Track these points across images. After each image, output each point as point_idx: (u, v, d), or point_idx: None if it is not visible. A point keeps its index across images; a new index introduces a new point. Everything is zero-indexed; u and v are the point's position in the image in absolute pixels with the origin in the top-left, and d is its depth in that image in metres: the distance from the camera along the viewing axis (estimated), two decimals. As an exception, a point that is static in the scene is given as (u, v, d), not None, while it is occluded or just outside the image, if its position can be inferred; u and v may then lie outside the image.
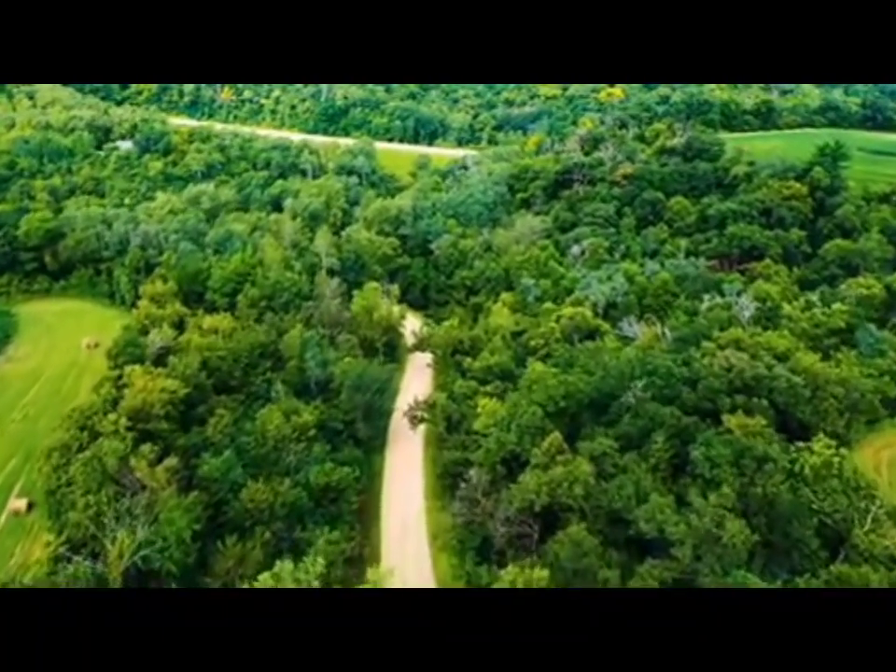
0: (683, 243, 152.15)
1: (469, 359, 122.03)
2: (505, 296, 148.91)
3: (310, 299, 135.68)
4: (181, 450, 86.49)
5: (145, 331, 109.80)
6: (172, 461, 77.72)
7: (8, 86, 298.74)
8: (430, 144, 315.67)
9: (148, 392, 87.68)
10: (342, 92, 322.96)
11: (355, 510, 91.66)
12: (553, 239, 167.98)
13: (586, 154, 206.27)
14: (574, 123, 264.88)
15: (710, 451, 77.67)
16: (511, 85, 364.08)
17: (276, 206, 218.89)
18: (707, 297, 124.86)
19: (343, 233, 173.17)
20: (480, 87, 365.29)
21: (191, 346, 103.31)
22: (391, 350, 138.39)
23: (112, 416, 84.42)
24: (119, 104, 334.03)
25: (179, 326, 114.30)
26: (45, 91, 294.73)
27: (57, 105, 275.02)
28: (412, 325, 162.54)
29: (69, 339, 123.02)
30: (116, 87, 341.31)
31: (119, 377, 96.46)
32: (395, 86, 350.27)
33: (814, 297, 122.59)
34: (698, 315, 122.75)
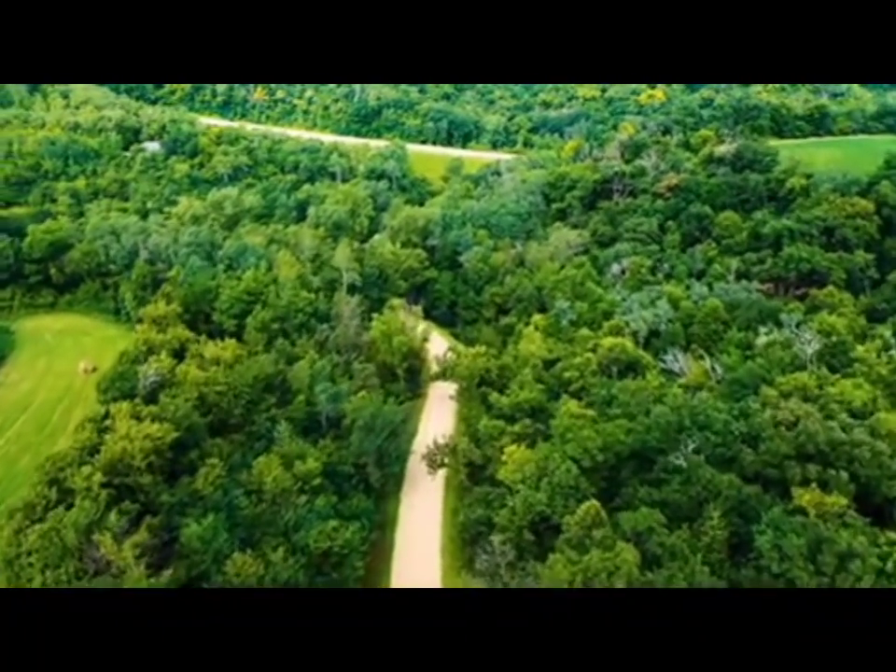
0: (733, 263, 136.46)
1: (496, 393, 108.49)
2: (537, 318, 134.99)
3: (327, 319, 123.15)
4: (164, 507, 74.53)
5: (142, 359, 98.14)
6: (142, 535, 65.42)
7: (43, 86, 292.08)
8: (464, 146, 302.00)
9: (131, 440, 75.78)
10: (374, 93, 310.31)
11: (360, 576, 79.03)
12: (591, 255, 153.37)
13: (627, 162, 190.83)
14: (614, 128, 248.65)
15: (779, 538, 63.28)
16: (549, 86, 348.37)
17: (302, 212, 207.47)
18: (763, 329, 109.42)
19: (367, 245, 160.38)
20: (516, 88, 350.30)
21: (188, 380, 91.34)
22: (413, 376, 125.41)
23: (87, 469, 72.68)
24: (153, 103, 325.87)
25: (180, 353, 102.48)
26: (79, 90, 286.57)
27: (89, 105, 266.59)
28: (437, 343, 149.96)
29: (67, 361, 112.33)
30: (150, 86, 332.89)
31: (106, 415, 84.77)
32: (429, 87, 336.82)
33: (886, 331, 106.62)
34: (753, 350, 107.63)
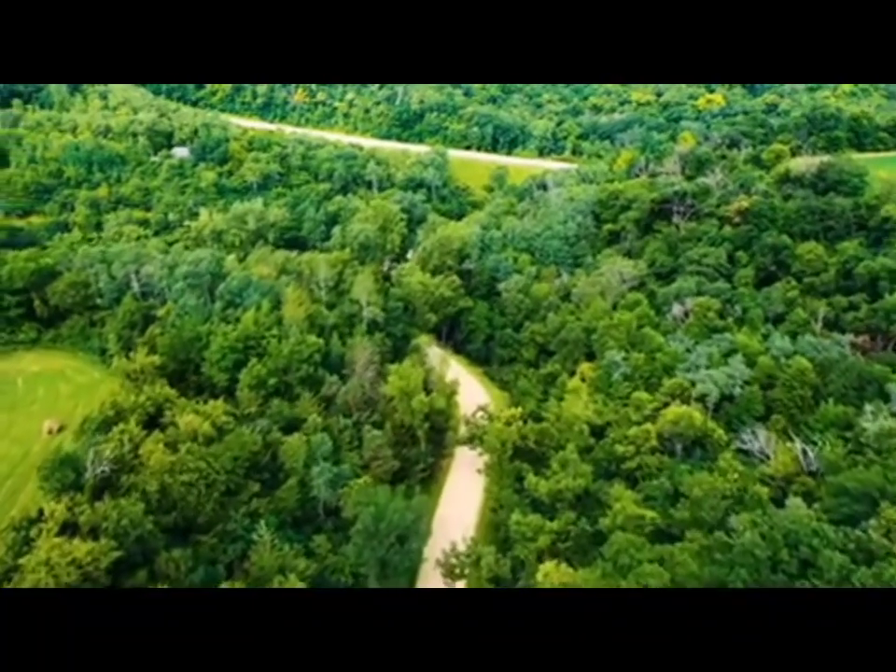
0: (820, 308, 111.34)
1: (532, 475, 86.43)
2: (585, 367, 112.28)
3: (339, 368, 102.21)
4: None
5: (106, 427, 78.61)
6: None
7: (83, 86, 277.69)
8: (509, 152, 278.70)
9: (51, 567, 55.96)
10: (417, 96, 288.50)
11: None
12: (647, 290, 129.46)
13: (688, 179, 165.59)
14: (672, 139, 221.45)
15: None
16: (600, 90, 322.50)
17: (331, 226, 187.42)
18: (868, 408, 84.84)
19: (393, 272, 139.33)
20: (565, 91, 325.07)
21: (150, 465, 71.34)
22: (436, 436, 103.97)
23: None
24: (193, 104, 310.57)
25: (155, 418, 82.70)
26: (118, 91, 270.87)
27: (125, 107, 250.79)
28: (468, 386, 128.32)
29: (34, 417, 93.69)
30: (191, 87, 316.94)
31: (40, 515, 65.19)
32: (474, 89, 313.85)
33: None
34: (856, 432, 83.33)
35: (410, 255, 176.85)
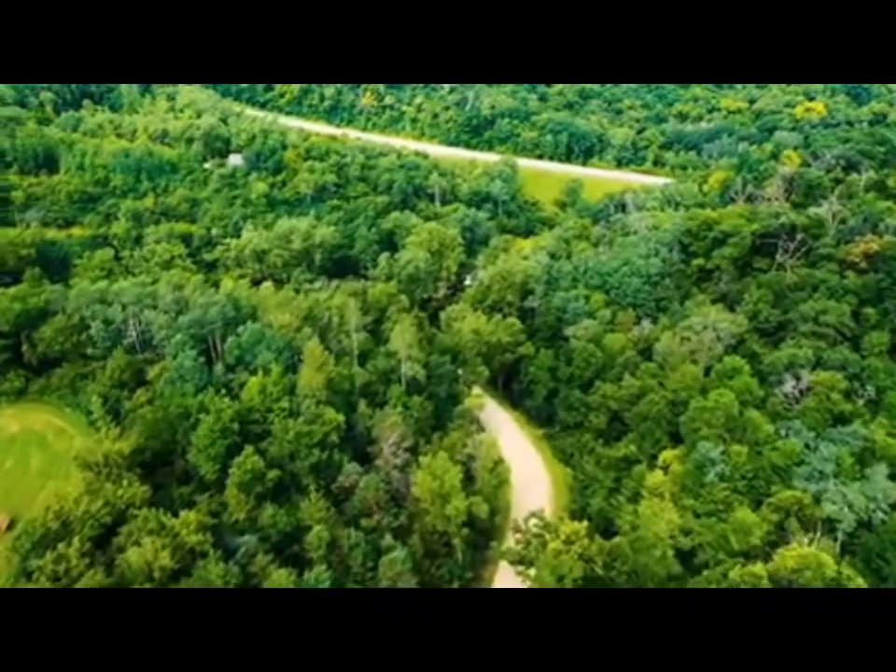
0: None
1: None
2: (669, 456, 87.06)
3: (365, 446, 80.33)
4: None
5: (46, 543, 58.83)
6: None
7: (154, 87, 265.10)
8: (585, 163, 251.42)
9: None
10: (489, 101, 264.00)
11: None
12: (748, 349, 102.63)
13: (795, 207, 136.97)
14: (775, 157, 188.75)
15: None
16: (686, 96, 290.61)
17: (384, 246, 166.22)
18: None
19: (443, 314, 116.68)
20: (648, 96, 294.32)
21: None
22: (479, 536, 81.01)
23: None
24: (262, 106, 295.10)
25: (109, 534, 62.51)
26: (185, 92, 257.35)
27: (190, 109, 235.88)
28: (524, 455, 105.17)
29: (-3, 496, 75.51)
30: (260, 88, 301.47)
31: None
32: (550, 94, 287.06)
33: None
34: None
35: (467, 281, 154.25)
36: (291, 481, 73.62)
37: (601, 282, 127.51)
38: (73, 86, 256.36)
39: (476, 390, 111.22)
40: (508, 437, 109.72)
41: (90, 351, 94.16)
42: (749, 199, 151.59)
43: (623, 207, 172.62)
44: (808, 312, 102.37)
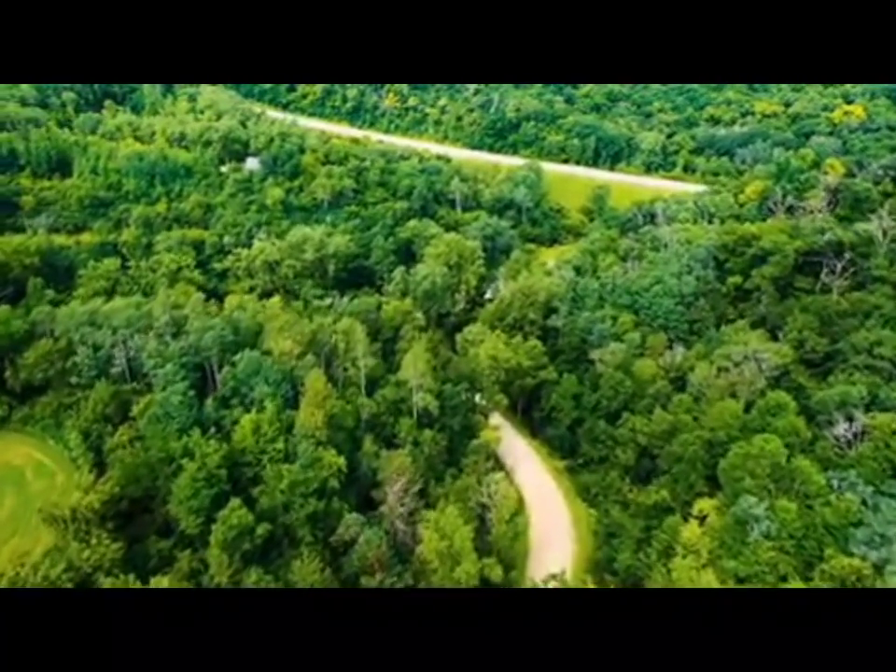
0: None
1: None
2: (706, 506, 77.33)
3: (369, 489, 71.87)
4: None
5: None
6: None
7: (176, 88, 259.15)
8: (612, 167, 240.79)
9: None
10: (514, 103, 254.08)
11: None
12: (793, 382, 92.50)
13: (841, 221, 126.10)
14: (817, 167, 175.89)
15: None
16: (718, 99, 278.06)
17: (402, 256, 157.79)
18: None
19: (459, 336, 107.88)
20: (678, 99, 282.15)
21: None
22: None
23: None
24: (284, 107, 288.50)
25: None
26: (207, 93, 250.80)
27: (211, 110, 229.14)
28: (544, 492, 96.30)
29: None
30: (283, 89, 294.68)
31: None
32: (577, 97, 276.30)
33: None
34: None
35: (488, 294, 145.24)
36: (284, 534, 65.47)
37: (630, 301, 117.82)
38: (96, 86, 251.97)
39: (494, 417, 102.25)
40: (526, 469, 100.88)
41: (74, 379, 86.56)
42: (790, 211, 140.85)
43: (652, 218, 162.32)
44: (861, 342, 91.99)
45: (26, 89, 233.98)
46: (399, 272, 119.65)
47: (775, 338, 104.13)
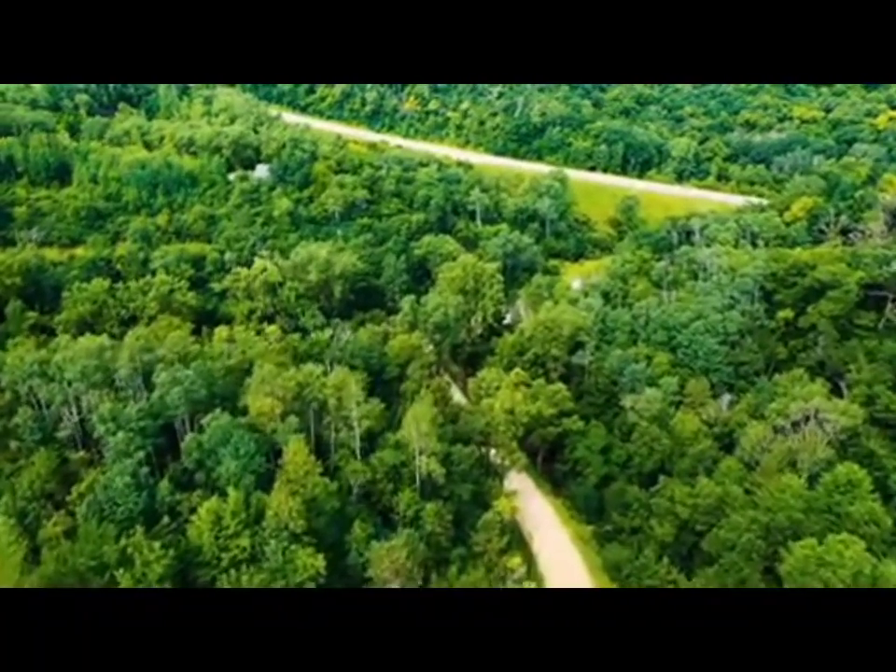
0: None
1: None
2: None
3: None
4: None
5: None
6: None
7: (192, 90, 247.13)
8: (641, 175, 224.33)
9: None
10: (539, 107, 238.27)
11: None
12: (864, 447, 76.83)
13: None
14: (871, 182, 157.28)
15: None
16: (754, 103, 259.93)
17: (415, 276, 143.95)
18: None
19: (471, 382, 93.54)
20: (711, 103, 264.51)
21: None
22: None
23: None
24: (302, 109, 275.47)
25: None
26: (222, 95, 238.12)
27: (225, 113, 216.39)
28: (568, 567, 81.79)
29: None
30: (302, 92, 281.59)
31: None
32: (605, 100, 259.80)
33: None
34: None
35: (507, 318, 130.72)
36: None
37: (666, 338, 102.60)
38: (111, 88, 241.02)
39: (510, 476, 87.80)
40: (546, 534, 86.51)
41: (14, 444, 72.67)
42: (844, 233, 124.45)
43: (688, 235, 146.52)
44: (946, 402, 76.00)
45: (39, 90, 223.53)
46: (407, 301, 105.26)
47: (836, 387, 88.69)
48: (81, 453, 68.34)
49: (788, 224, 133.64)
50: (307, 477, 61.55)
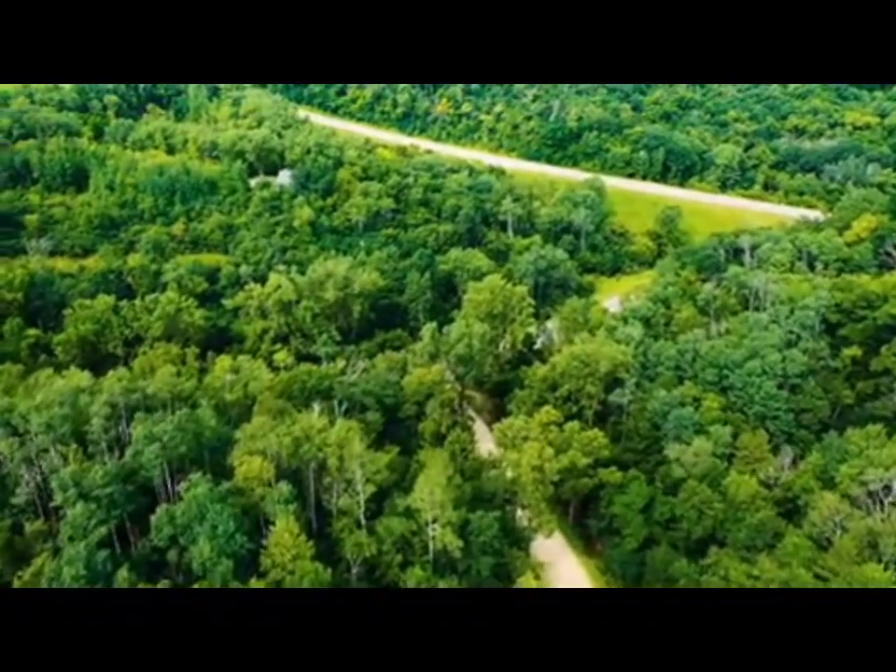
0: None
1: None
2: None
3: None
4: None
5: None
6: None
7: (222, 89, 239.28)
8: (683, 183, 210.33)
9: None
10: (576, 111, 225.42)
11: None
12: (957, 528, 63.79)
13: None
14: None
15: None
16: (804, 107, 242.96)
17: (440, 294, 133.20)
18: None
19: (497, 426, 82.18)
20: (757, 108, 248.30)
21: None
22: None
23: None
24: (333, 111, 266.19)
25: None
26: (251, 97, 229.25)
27: (253, 115, 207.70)
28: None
29: None
30: (332, 93, 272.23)
31: None
32: (645, 104, 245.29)
33: None
34: None
35: (539, 342, 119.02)
36: None
37: (716, 377, 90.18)
38: (140, 89, 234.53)
39: (538, 542, 76.29)
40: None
41: None
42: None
43: (736, 254, 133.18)
44: None
45: (67, 91, 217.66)
46: (429, 330, 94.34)
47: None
48: (39, 522, 58.86)
49: (849, 245, 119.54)
50: (295, 563, 51.30)
